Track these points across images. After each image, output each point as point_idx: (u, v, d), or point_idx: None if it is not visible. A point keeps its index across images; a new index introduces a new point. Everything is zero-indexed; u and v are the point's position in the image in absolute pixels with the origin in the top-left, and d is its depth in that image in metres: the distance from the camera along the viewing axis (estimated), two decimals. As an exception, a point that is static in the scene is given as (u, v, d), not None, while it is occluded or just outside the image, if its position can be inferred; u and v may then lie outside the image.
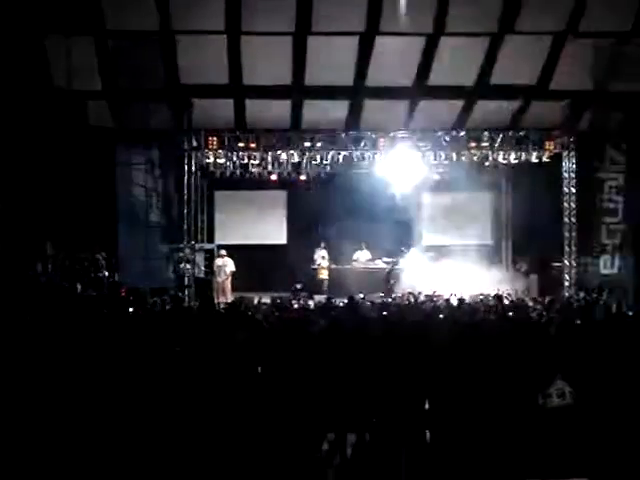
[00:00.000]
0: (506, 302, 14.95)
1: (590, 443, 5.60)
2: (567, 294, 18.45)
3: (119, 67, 16.07)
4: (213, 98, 17.95)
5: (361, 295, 15.83)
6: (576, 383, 6.06)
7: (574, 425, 5.76)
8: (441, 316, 11.93)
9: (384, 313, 12.34)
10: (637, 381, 6.69)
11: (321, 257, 20.53)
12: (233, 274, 19.63)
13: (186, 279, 19.67)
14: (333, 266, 20.51)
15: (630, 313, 12.43)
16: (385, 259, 20.65)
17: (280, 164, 20.22)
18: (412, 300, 15.44)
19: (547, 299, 16.01)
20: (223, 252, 19.68)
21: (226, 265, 19.49)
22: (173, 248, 19.58)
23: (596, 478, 5.37)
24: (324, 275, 20.35)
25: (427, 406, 6.57)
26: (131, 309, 13.27)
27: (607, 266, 18.35)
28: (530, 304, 14.55)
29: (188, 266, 20.06)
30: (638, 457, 5.56)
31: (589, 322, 10.79)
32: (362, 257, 20.97)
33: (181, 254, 19.86)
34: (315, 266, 20.55)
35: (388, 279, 19.53)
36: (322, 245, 20.68)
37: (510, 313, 12.58)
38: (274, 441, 5.86)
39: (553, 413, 5.90)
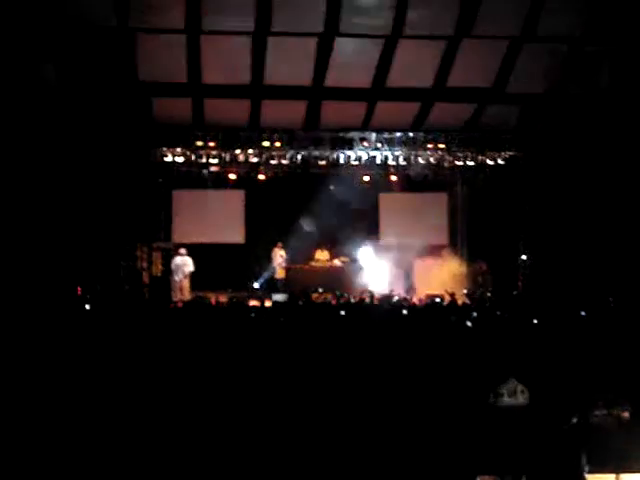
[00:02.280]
0: (463, 301, 15.19)
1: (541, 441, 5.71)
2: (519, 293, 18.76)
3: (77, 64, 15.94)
4: (172, 97, 17.89)
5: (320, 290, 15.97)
6: (530, 382, 6.16)
7: (527, 424, 5.85)
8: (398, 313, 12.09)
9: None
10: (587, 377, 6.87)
11: (279, 256, 20.56)
12: (191, 273, 19.54)
13: (142, 278, 19.62)
14: (292, 265, 20.56)
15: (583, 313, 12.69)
16: (342, 258, 20.79)
17: (238, 163, 20.23)
18: (368, 299, 15.57)
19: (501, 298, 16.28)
20: (183, 251, 19.57)
21: (185, 264, 19.37)
22: (130, 247, 19.52)
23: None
24: (282, 274, 20.41)
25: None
26: (87, 306, 13.23)
27: (560, 265, 18.71)
28: (487, 303, 14.77)
29: (145, 265, 20.01)
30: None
31: (545, 321, 11.03)
32: (321, 256, 21.07)
33: (138, 252, 19.80)
34: (274, 265, 20.59)
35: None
36: (279, 244, 20.72)
37: (467, 312, 12.78)
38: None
39: (505, 412, 5.99)
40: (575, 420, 5.81)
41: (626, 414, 5.70)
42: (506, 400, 5.95)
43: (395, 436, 5.97)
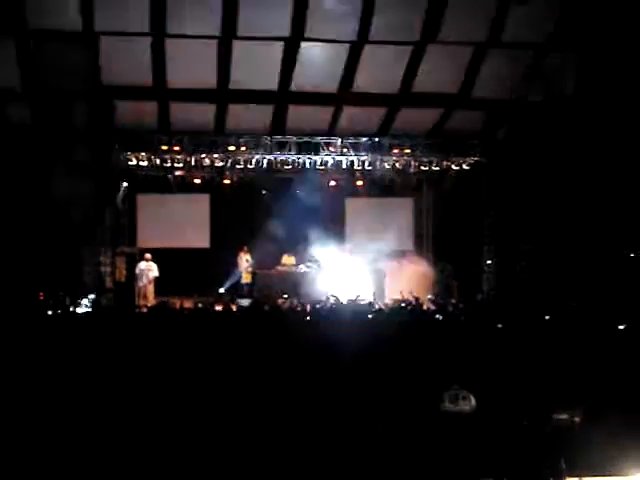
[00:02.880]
0: (427, 305, 15.23)
1: (490, 447, 5.71)
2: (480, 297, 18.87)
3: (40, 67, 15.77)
4: (136, 100, 17.78)
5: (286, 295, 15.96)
6: (476, 389, 6.16)
7: (472, 430, 5.86)
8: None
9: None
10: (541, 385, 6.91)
11: (245, 260, 20.48)
12: (155, 278, 19.38)
13: (106, 283, 19.43)
14: (258, 270, 20.49)
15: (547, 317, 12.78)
16: (308, 263, 20.76)
17: (204, 168, 20.14)
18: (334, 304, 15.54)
19: (462, 302, 16.35)
20: (148, 256, 19.39)
21: (150, 269, 19.20)
22: (93, 251, 19.33)
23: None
24: (248, 279, 20.32)
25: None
26: (50, 312, 13.07)
27: (524, 271, 18.90)
28: (450, 308, 14.81)
29: (108, 270, 19.81)
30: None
31: (508, 325, 11.10)
32: (288, 261, 21.01)
33: (101, 257, 19.60)
34: (239, 270, 20.50)
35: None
36: (245, 249, 20.64)
37: (432, 315, 12.84)
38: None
39: (451, 418, 5.99)
40: (526, 424, 5.84)
41: (578, 419, 5.75)
42: (448, 406, 5.96)
43: (348, 443, 5.95)
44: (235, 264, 20.65)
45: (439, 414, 5.86)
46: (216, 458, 5.61)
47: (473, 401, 5.94)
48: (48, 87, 15.92)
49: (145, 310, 14.78)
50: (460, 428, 5.71)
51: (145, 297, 18.91)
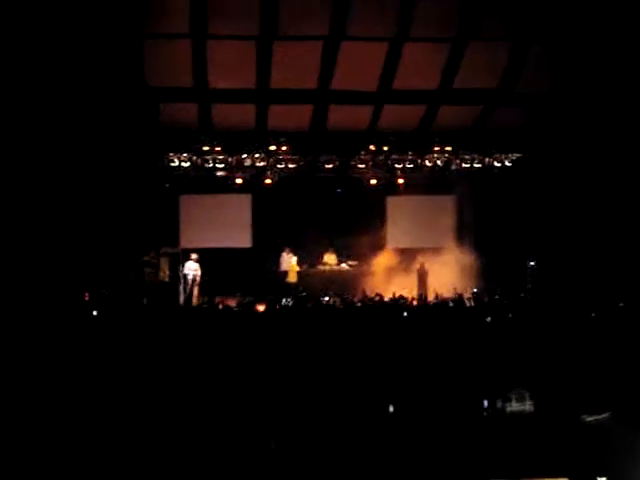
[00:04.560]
0: (469, 304, 15.14)
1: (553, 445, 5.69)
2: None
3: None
4: (179, 102, 17.93)
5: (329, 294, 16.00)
6: (535, 389, 6.14)
7: (533, 428, 5.84)
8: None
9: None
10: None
11: (288, 260, 20.55)
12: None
13: (150, 283, 19.61)
14: (300, 269, 20.55)
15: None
16: (350, 262, 20.77)
17: (245, 168, 20.23)
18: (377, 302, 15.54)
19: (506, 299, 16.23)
20: (194, 256, 19.62)
21: (196, 269, 19.46)
22: (138, 252, 19.51)
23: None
24: (293, 279, 20.35)
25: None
26: (95, 312, 13.21)
27: (569, 267, 18.66)
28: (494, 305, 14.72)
29: (152, 270, 19.99)
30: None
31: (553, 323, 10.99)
32: (329, 260, 21.04)
33: (146, 258, 19.79)
34: (282, 269, 20.57)
35: None
36: (287, 249, 20.71)
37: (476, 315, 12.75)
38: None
39: (512, 416, 5.98)
40: (585, 420, 5.81)
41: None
42: (514, 405, 5.96)
43: (404, 440, 5.95)
44: (277, 263, 20.73)
45: (504, 414, 5.86)
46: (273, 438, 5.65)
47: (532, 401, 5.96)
48: (94, 91, 16.09)
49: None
50: (524, 427, 5.70)
51: (191, 297, 19.11)
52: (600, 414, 5.81)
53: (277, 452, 5.65)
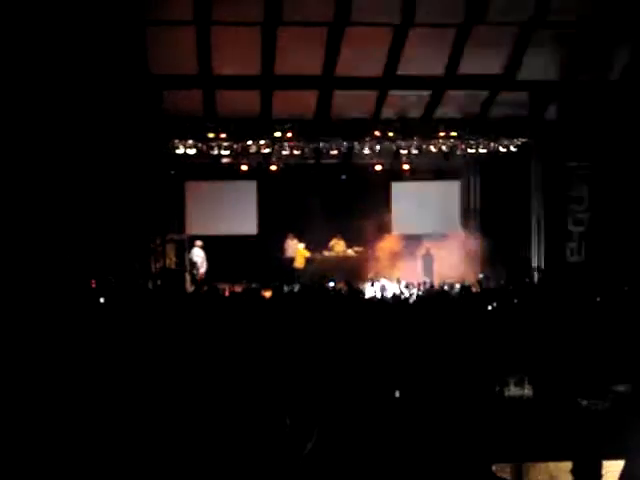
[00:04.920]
0: (474, 290, 15.17)
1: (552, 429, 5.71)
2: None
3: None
4: (183, 89, 17.92)
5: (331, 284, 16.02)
6: (538, 375, 6.17)
7: (534, 413, 5.86)
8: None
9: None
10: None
11: (294, 246, 20.59)
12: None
13: (156, 269, 19.68)
14: (308, 254, 20.60)
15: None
16: (356, 248, 20.80)
17: (250, 154, 20.24)
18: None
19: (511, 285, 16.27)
20: (199, 242, 19.74)
21: (202, 256, 19.62)
22: (143, 239, 19.56)
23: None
24: (300, 264, 20.39)
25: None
26: (102, 299, 13.28)
27: (574, 253, 18.67)
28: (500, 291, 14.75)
29: (159, 257, 20.05)
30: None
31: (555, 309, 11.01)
32: (337, 246, 21.08)
33: (152, 245, 19.83)
34: (287, 256, 20.62)
35: None
36: (291, 235, 20.75)
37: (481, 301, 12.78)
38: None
39: (514, 400, 6.01)
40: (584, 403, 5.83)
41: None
42: (513, 390, 5.99)
43: (408, 426, 5.98)
44: (282, 250, 20.78)
45: (503, 399, 5.89)
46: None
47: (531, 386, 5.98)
48: (97, 78, 16.09)
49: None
50: (523, 411, 5.73)
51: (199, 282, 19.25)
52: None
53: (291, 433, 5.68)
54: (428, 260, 20.22)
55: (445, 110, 19.20)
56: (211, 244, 20.17)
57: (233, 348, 8.12)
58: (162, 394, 6.50)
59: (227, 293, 15.65)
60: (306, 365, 7.31)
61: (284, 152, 20.05)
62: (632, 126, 17.63)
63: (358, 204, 20.69)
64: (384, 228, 21.15)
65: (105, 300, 13.26)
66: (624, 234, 18.03)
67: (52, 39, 15.20)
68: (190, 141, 19.46)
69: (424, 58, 17.28)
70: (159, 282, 19.04)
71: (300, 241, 20.67)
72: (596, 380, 6.14)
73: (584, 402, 5.85)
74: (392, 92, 18.47)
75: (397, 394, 6.64)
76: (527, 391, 5.99)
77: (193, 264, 19.76)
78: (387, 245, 20.63)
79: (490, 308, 11.73)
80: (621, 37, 16.54)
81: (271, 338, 8.68)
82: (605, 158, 18.22)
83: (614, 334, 8.51)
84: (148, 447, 5.64)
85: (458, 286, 15.78)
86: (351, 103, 18.79)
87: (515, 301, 12.51)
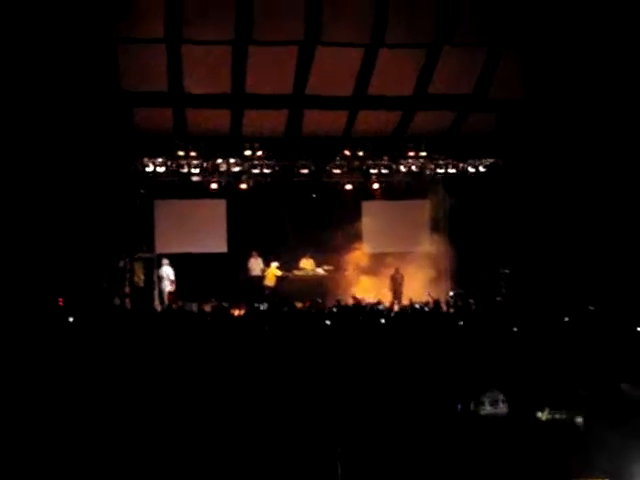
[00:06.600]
0: (447, 308, 15.23)
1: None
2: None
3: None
4: (153, 106, 17.87)
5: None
6: (510, 392, 6.17)
7: (507, 433, 5.86)
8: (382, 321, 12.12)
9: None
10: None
11: (258, 265, 20.51)
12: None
13: (125, 288, 19.52)
14: (280, 274, 20.53)
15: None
16: (326, 267, 20.77)
17: (220, 173, 20.20)
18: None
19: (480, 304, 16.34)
20: (166, 261, 19.64)
21: (169, 274, 19.52)
22: (112, 257, 19.40)
23: None
24: (270, 282, 20.30)
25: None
26: (71, 319, 13.12)
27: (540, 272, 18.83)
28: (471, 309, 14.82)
29: (127, 275, 19.89)
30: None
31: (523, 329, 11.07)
32: (306, 265, 21.03)
33: (120, 263, 19.67)
34: (255, 274, 20.53)
35: None
36: (255, 253, 20.67)
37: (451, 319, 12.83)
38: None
39: (486, 420, 6.00)
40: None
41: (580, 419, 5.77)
42: (488, 409, 5.97)
43: (376, 443, 5.96)
44: (247, 269, 20.67)
45: (478, 417, 5.87)
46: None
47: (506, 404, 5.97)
48: (67, 94, 16.00)
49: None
50: (497, 430, 5.73)
51: (167, 301, 19.13)
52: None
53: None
54: (398, 279, 20.25)
55: (415, 130, 19.32)
56: (180, 262, 20.04)
57: (201, 366, 8.07)
58: (132, 411, 6.43)
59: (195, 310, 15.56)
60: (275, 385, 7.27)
61: (254, 171, 20.02)
62: (596, 145, 17.82)
63: (328, 223, 20.68)
64: (354, 247, 21.15)
65: (74, 319, 13.10)
66: (590, 252, 18.18)
67: (22, 53, 15.11)
68: (160, 159, 19.37)
69: (394, 78, 17.39)
70: (127, 300, 18.90)
71: (265, 259, 20.60)
72: (568, 397, 6.17)
73: (544, 413, 5.87)
74: (363, 111, 18.57)
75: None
76: (501, 409, 5.98)
77: (160, 280, 19.63)
78: (357, 264, 20.63)
79: (460, 326, 11.77)
80: (590, 57, 16.76)
81: (238, 359, 8.64)
82: (572, 176, 18.38)
83: (582, 352, 8.58)
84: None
85: (428, 305, 15.83)
86: (322, 122, 18.85)
87: (484, 319, 12.57)
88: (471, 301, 17.23)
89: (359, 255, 20.99)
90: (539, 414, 5.85)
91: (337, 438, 5.82)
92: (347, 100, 18.06)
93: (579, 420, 5.81)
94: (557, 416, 5.88)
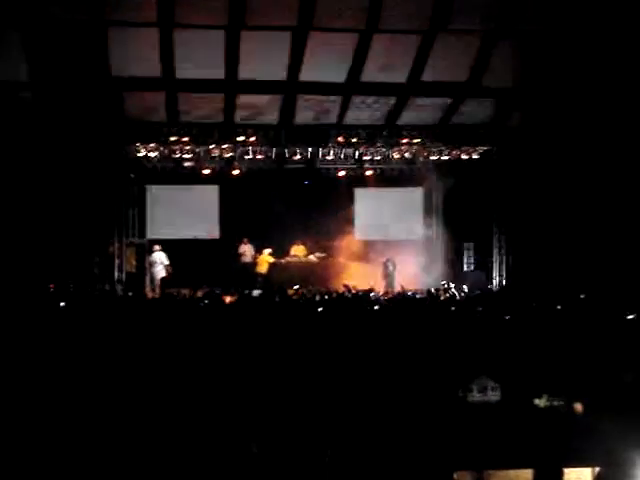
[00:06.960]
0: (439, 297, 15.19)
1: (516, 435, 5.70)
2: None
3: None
4: (145, 91, 17.74)
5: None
6: (501, 379, 6.15)
7: (497, 418, 5.85)
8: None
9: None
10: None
11: (248, 251, 20.47)
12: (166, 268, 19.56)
13: (116, 274, 19.47)
14: (272, 260, 20.50)
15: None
16: (318, 254, 20.74)
17: (213, 159, 20.11)
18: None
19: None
20: (157, 247, 19.60)
21: (162, 260, 19.49)
22: (103, 243, 19.35)
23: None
24: (262, 269, 20.27)
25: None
26: (62, 303, 13.05)
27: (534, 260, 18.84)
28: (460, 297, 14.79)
29: (118, 261, 19.85)
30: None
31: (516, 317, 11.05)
32: (298, 252, 21.00)
33: (111, 249, 19.63)
34: (247, 260, 20.49)
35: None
36: (245, 239, 20.62)
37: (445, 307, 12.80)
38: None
39: (476, 407, 5.98)
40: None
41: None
42: (476, 396, 5.95)
43: (370, 431, 5.93)
44: (237, 256, 20.63)
45: (466, 404, 5.85)
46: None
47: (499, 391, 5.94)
48: (58, 80, 15.87)
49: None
50: (487, 417, 5.70)
51: (159, 287, 19.10)
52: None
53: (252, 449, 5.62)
54: (390, 267, 20.22)
55: (408, 117, 19.24)
56: (173, 248, 19.98)
57: (193, 354, 8.02)
58: (123, 400, 6.39)
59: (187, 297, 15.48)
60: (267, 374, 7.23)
61: (247, 157, 19.95)
62: (591, 132, 17.79)
63: (321, 210, 20.65)
64: (347, 234, 21.12)
65: (65, 304, 13.04)
66: (583, 241, 18.19)
67: (9, 37, 15.00)
68: (152, 144, 19.27)
69: (388, 64, 17.29)
70: (119, 286, 18.85)
71: (256, 246, 20.57)
72: (560, 386, 6.15)
73: (542, 401, 5.86)
74: (356, 98, 18.47)
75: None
76: (490, 397, 5.95)
77: (153, 265, 19.61)
78: (349, 251, 20.61)
79: (452, 314, 11.74)
80: (585, 46, 16.68)
81: (229, 344, 8.59)
82: (567, 165, 18.37)
83: (574, 340, 8.56)
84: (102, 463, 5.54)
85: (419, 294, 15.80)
86: (315, 108, 18.75)
87: (479, 308, 12.53)
88: (464, 288, 17.23)
89: (351, 242, 20.97)
90: (537, 401, 5.83)
91: (328, 428, 5.80)
92: (341, 86, 17.94)
93: (578, 407, 5.79)
94: (555, 403, 5.86)
